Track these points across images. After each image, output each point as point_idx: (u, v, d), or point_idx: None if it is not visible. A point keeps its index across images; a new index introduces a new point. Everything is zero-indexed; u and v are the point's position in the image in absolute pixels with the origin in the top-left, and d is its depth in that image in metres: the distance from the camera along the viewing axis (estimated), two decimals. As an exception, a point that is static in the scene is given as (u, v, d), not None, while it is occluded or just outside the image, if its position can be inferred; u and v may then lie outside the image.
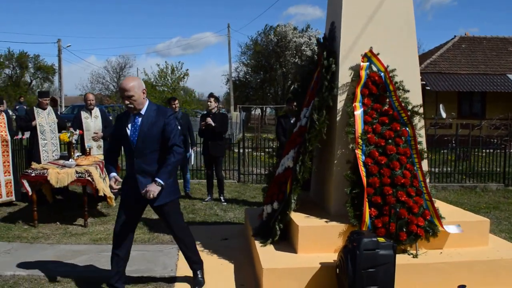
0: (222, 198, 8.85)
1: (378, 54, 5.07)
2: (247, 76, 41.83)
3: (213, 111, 8.67)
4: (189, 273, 4.88)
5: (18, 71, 41.97)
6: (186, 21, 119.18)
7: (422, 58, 22.82)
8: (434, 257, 4.55)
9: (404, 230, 4.49)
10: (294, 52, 35.81)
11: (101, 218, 7.44)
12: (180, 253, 5.52)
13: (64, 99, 38.58)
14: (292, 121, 7.76)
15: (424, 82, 19.07)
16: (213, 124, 8.36)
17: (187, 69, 38.25)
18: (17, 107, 16.50)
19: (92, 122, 8.56)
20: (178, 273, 4.93)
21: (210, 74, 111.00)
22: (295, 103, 7.74)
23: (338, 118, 5.11)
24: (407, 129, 4.88)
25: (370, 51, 5.09)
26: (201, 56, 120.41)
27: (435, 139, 14.48)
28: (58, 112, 29.62)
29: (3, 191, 7.84)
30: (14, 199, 7.99)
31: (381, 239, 4.02)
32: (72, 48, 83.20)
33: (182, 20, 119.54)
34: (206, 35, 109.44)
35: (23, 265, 5.09)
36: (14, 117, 12.37)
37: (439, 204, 5.01)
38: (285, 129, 9.08)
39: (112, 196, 7.34)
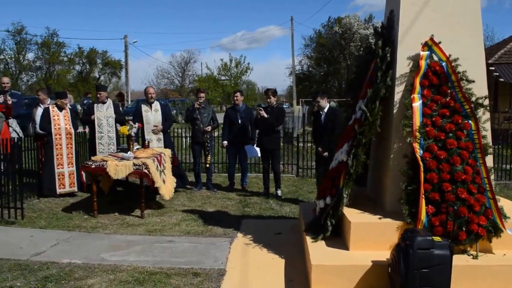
0: (278, 192, 8.78)
1: (439, 42, 4.79)
2: (311, 69, 41.40)
3: (273, 105, 8.63)
4: (239, 266, 4.87)
5: (87, 67, 43.92)
6: (251, 14, 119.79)
7: (496, 48, 21.57)
8: (496, 259, 4.25)
9: (464, 229, 4.22)
10: (359, 44, 34.99)
11: (158, 210, 7.59)
12: (232, 246, 5.55)
13: (130, 94, 39.97)
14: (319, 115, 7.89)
15: (497, 74, 17.98)
16: (265, 116, 8.29)
17: (249, 63, 38.58)
18: (84, 101, 17.19)
19: (152, 115, 8.74)
20: (228, 266, 4.91)
21: (274, 68, 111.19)
22: (319, 98, 7.76)
23: (395, 111, 4.88)
24: (470, 122, 4.57)
25: (431, 39, 4.81)
26: (265, 50, 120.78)
27: (510, 133, 13.67)
28: (125, 106, 30.88)
29: (66, 182, 8.18)
30: (76, 190, 8.31)
31: (437, 238, 3.79)
32: (138, 44, 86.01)
33: (247, 14, 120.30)
34: (270, 28, 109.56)
35: (79, 254, 5.28)
36: (82, 111, 12.90)
37: (504, 202, 4.68)
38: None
39: (168, 188, 7.46)
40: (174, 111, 27.40)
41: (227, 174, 9.66)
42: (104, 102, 8.73)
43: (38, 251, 5.36)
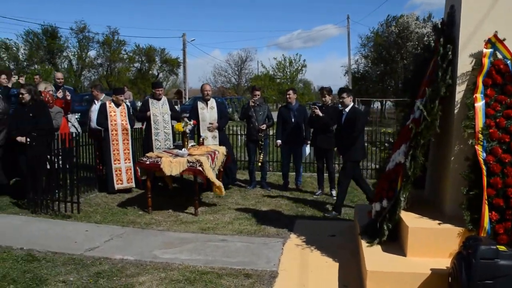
0: (333, 192, 8.60)
1: (504, 39, 4.48)
2: (367, 68, 40.57)
3: (328, 104, 8.48)
4: (292, 268, 4.78)
5: (146, 65, 45.03)
6: (308, 13, 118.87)
7: None
8: None
9: (533, 238, 3.93)
10: (416, 43, 33.94)
11: (212, 207, 7.61)
12: (284, 247, 5.46)
13: (188, 91, 40.69)
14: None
15: None
16: (320, 115, 8.14)
17: (304, 60, 38.26)
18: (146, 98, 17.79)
19: (208, 112, 8.79)
20: (281, 268, 4.83)
21: (330, 67, 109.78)
22: (344, 95, 7.38)
23: (456, 111, 4.62)
24: (538, 123, 4.25)
25: (495, 36, 4.51)
26: (321, 49, 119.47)
27: None
28: (183, 103, 31.40)
29: (124, 177, 8.36)
30: (134, 186, 8.48)
31: (502, 248, 3.54)
32: (196, 42, 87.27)
33: (304, 13, 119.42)
34: (327, 27, 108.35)
35: (132, 250, 5.36)
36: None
37: None
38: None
39: (221, 186, 7.48)
40: (230, 109, 27.63)
41: (281, 173, 9.57)
42: (159, 99, 8.86)
43: (92, 246, 5.49)
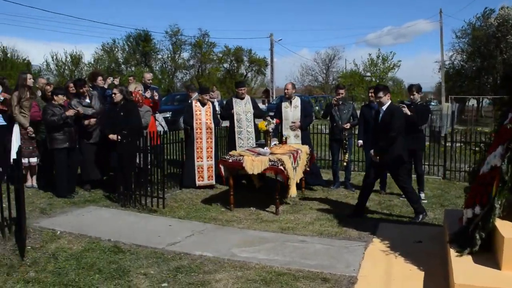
0: (421, 195, 8.13)
1: None
2: (462, 64, 38.29)
3: (417, 102, 8.03)
4: (372, 275, 4.54)
5: (235, 65, 45.90)
6: (398, 8, 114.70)
7: None
8: None
9: None
10: (517, 36, 31.45)
11: (293, 207, 7.50)
12: (366, 252, 5.21)
13: (275, 91, 40.86)
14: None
15: None
16: (408, 113, 7.72)
17: (399, 60, 36.94)
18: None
19: (291, 111, 8.71)
20: (360, 274, 4.60)
21: (421, 64, 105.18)
22: (381, 93, 6.78)
23: None
24: None
25: None
26: (412, 45, 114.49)
27: None
28: (270, 102, 31.62)
29: (205, 175, 8.50)
30: (214, 183, 8.58)
31: None
32: (284, 42, 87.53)
33: (394, 8, 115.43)
34: (418, 22, 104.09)
35: (211, 247, 5.38)
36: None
37: None
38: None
39: (294, 187, 7.34)
40: (317, 108, 27.38)
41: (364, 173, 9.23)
42: (242, 98, 8.91)
43: (173, 241, 5.59)
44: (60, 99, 7.84)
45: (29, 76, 8.49)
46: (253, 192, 8.26)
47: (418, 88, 8.16)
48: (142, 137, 7.40)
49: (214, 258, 5.04)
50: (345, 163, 8.77)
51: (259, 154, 7.28)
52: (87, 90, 8.57)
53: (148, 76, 10.99)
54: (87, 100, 8.40)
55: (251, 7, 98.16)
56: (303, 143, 8.52)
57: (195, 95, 9.59)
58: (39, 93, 8.84)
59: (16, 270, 4.74)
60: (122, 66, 41.95)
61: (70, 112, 7.66)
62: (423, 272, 4.60)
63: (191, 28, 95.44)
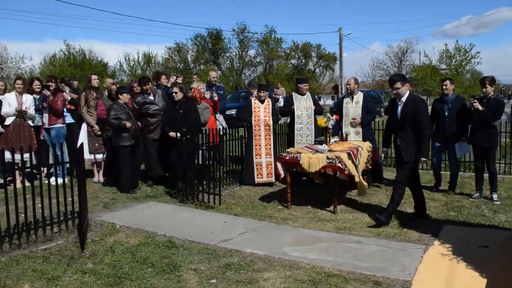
0: (493, 196, 7.62)
1: None
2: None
3: (490, 96, 7.52)
4: (429, 280, 4.28)
5: (303, 61, 45.52)
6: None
7: None
8: None
9: None
10: None
11: (353, 206, 7.28)
12: (425, 255, 4.94)
13: (344, 86, 40.11)
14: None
15: None
16: (480, 108, 7.24)
17: (478, 52, 35.01)
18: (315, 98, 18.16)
19: (352, 107, 8.48)
20: (416, 279, 4.34)
21: (506, 55, 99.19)
22: (398, 84, 6.11)
23: None
24: None
25: None
26: (495, 35, 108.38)
27: None
28: (337, 98, 31.10)
29: (264, 172, 8.45)
30: (273, 180, 8.49)
31: None
32: (353, 36, 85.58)
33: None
34: (500, 10, 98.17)
35: (263, 245, 5.31)
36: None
37: None
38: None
39: (365, 185, 7.12)
40: (386, 103, 26.60)
41: (432, 172, 8.79)
42: (303, 94, 8.78)
43: (226, 238, 5.58)
44: (125, 97, 8.11)
45: (93, 77, 8.88)
46: (313, 190, 8.11)
47: (491, 81, 7.63)
48: (200, 134, 7.47)
49: (264, 256, 4.97)
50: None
51: (317, 151, 7.12)
52: (151, 88, 8.79)
53: (213, 74, 11.12)
54: (151, 97, 8.62)
55: (319, 1, 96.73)
56: (364, 140, 8.24)
57: (255, 92, 9.59)
58: (106, 93, 9.18)
59: (76, 261, 4.92)
60: (191, 65, 42.92)
61: (128, 125, 7.85)
62: (485, 280, 4.27)
63: (258, 25, 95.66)
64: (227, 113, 17.01)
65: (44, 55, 40.96)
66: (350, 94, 8.60)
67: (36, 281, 4.37)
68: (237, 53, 43.87)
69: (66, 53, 38.30)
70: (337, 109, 8.87)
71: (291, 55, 44.61)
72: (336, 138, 8.03)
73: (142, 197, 7.76)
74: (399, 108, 6.23)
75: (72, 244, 5.36)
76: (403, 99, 6.17)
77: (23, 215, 5.46)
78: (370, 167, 7.98)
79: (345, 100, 8.66)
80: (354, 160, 7.14)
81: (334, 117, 7.93)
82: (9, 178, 7.88)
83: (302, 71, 44.19)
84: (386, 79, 54.00)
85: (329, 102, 36.71)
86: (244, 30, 42.59)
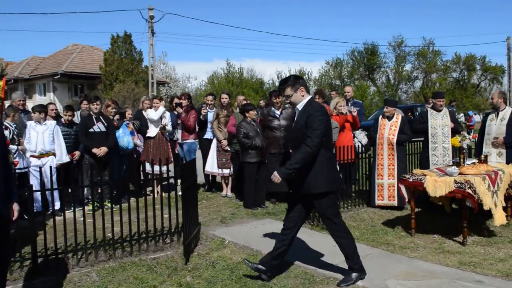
0: None
1: None
2: None
3: None
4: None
5: (465, 74, 41.95)
6: None
7: None
8: None
9: None
10: None
11: (489, 238, 6.35)
12: None
13: (513, 100, 36.08)
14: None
15: None
16: None
17: None
18: (449, 109, 16.59)
19: (496, 125, 7.51)
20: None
21: None
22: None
23: None
24: None
25: None
26: None
27: None
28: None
29: (385, 194, 7.84)
30: (395, 204, 7.82)
31: None
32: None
33: None
34: None
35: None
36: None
37: None
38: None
39: (502, 213, 6.19)
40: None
41: None
42: (439, 110, 8.03)
43: (329, 263, 5.26)
44: (252, 114, 8.25)
45: (224, 96, 9.21)
46: (445, 217, 7.30)
47: None
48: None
49: (362, 287, 4.55)
50: None
51: (445, 174, 6.40)
52: (281, 101, 8.82)
53: (347, 89, 10.79)
54: (277, 112, 8.62)
55: (482, 10, 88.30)
56: (508, 163, 7.19)
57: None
58: (238, 109, 9.46)
59: (177, 273, 5.06)
60: (346, 80, 42.50)
61: (258, 144, 7.98)
62: None
63: (414, 38, 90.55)
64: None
65: (208, 75, 44.33)
66: (495, 109, 7.62)
67: (133, 289, 4.58)
68: (393, 67, 42.25)
69: (226, 71, 40.92)
70: (482, 127, 7.94)
71: (451, 68, 41.49)
72: (471, 160, 7.14)
73: (261, 214, 7.76)
74: (296, 118, 4.78)
75: (180, 256, 5.53)
76: (300, 106, 4.68)
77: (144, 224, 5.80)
78: (511, 193, 6.93)
79: (489, 116, 7.68)
80: (492, 186, 6.26)
81: (471, 136, 7.09)
82: (149, 188, 8.56)
83: (465, 85, 40.84)
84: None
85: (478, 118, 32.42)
86: (401, 43, 40.97)
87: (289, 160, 4.58)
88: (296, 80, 4.68)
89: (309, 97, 4.69)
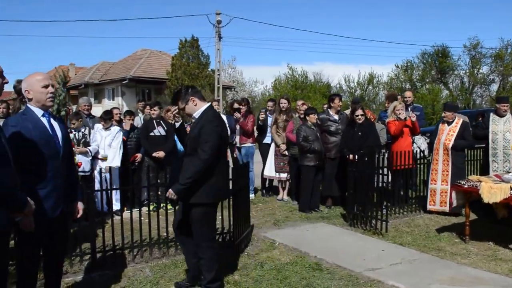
0: None
1: None
2: None
3: None
4: None
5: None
6: None
7: None
8: None
9: None
10: None
11: (551, 247, 6.11)
12: None
13: None
14: None
15: None
16: None
17: None
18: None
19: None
20: None
21: None
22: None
23: None
24: None
25: None
26: None
27: None
28: None
29: (437, 199, 7.70)
30: (447, 210, 7.64)
31: None
32: None
33: None
34: None
35: (410, 279, 4.88)
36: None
37: None
38: None
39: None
40: None
41: None
42: (502, 116, 7.78)
43: (375, 267, 5.29)
44: (312, 118, 8.40)
45: (283, 100, 9.42)
46: (504, 224, 7.06)
47: None
48: (378, 156, 7.23)
49: (404, 290, 4.59)
50: None
51: (502, 180, 6.23)
52: (339, 105, 8.91)
53: (407, 94, 10.64)
54: (335, 116, 8.69)
55: None
56: None
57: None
58: (297, 114, 9.62)
59: (226, 271, 5.27)
60: (417, 83, 41.17)
61: (317, 148, 8.14)
62: None
63: (492, 39, 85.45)
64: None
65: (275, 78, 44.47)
66: None
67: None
68: (468, 70, 40.34)
69: (289, 75, 40.98)
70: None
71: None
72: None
73: (315, 217, 7.87)
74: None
75: (229, 256, 5.71)
76: (196, 114, 4.52)
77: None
78: None
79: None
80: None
81: (533, 141, 6.83)
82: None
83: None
84: None
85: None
86: (477, 45, 39.05)
87: (182, 173, 4.32)
88: (186, 92, 4.56)
89: (205, 105, 4.53)
